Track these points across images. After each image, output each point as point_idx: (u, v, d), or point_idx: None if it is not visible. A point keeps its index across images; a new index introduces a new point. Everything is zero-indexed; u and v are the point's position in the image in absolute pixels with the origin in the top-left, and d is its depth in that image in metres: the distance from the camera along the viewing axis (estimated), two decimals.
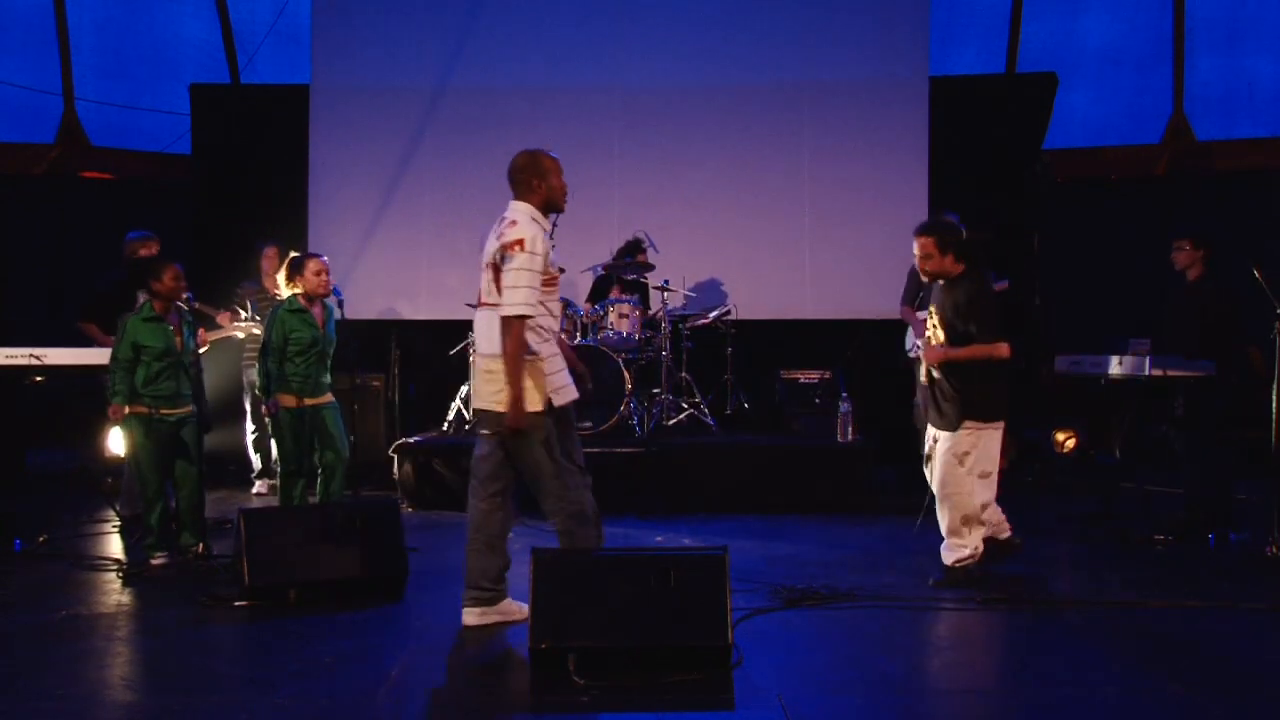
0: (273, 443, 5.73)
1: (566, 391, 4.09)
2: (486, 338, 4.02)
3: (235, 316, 6.83)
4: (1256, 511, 5.60)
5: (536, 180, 4.06)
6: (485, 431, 4.11)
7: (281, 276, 5.58)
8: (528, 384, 3.92)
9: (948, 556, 4.75)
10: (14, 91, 9.12)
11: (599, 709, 3.26)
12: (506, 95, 8.65)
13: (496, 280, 3.96)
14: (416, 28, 8.73)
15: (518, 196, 4.08)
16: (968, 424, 4.62)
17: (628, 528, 6.03)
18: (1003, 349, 4.61)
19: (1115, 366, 5.65)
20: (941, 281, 4.81)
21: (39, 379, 5.57)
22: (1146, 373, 5.46)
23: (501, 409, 3.95)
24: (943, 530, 4.77)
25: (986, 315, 4.63)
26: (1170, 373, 5.50)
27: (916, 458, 7.10)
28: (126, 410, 5.05)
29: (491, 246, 4.02)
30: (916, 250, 4.79)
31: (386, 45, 8.71)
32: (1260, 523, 5.45)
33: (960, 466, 4.64)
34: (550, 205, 4.11)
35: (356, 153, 8.69)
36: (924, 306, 7.04)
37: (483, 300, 4.08)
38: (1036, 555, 5.30)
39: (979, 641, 3.95)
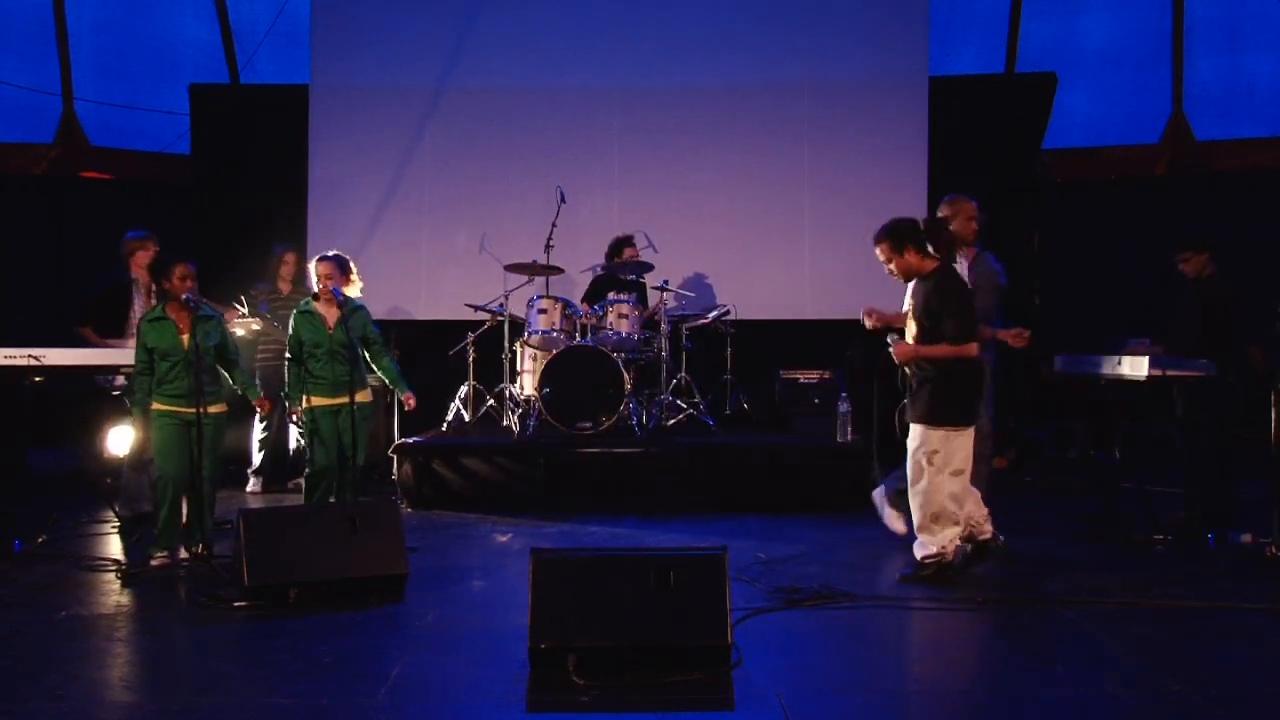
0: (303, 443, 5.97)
1: None
2: None
3: (236, 313, 6.84)
4: (1256, 511, 5.59)
5: None
6: None
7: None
8: None
9: (917, 552, 4.75)
10: (14, 91, 9.12)
11: (599, 709, 3.26)
12: (506, 95, 8.66)
13: None
14: (416, 28, 8.73)
15: None
16: (934, 427, 4.62)
17: (628, 528, 6.03)
18: (970, 349, 4.60)
19: (1115, 366, 5.65)
20: (915, 279, 4.82)
21: (38, 379, 5.56)
22: (1146, 373, 5.45)
23: None
24: (914, 527, 4.78)
25: (957, 312, 4.60)
26: (1170, 373, 5.49)
27: None
28: (142, 420, 5.19)
29: None
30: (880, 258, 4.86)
31: (386, 45, 8.71)
32: (1260, 523, 5.45)
33: (929, 465, 4.64)
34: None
35: (356, 153, 8.69)
36: None
37: None
38: (1037, 555, 5.31)
39: (979, 641, 3.95)
